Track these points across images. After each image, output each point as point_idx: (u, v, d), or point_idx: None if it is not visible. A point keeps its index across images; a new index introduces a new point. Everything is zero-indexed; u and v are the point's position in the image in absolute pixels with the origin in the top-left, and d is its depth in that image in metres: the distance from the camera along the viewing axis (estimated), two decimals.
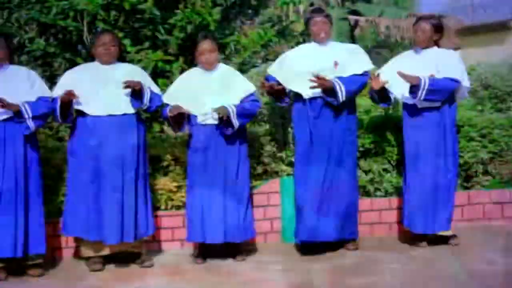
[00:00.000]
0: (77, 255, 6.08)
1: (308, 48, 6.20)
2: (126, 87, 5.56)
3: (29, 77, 5.67)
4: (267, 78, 6.17)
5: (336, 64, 5.95)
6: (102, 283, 5.41)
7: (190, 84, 5.92)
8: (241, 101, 5.86)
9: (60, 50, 7.15)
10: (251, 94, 5.95)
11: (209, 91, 5.84)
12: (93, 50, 5.85)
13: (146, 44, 7.12)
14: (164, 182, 6.33)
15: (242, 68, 7.31)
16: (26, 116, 5.44)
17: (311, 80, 5.75)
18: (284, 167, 6.69)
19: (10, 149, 5.45)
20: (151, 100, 5.74)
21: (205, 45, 5.90)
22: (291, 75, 6.04)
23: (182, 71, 7.09)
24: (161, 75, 7.04)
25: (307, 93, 5.93)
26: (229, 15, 8.06)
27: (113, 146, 5.61)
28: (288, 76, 6.06)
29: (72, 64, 7.03)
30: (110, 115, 5.64)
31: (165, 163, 6.42)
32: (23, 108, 5.44)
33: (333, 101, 5.84)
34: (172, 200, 6.40)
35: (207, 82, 5.90)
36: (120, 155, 5.62)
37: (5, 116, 5.44)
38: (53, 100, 5.63)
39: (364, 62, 6.10)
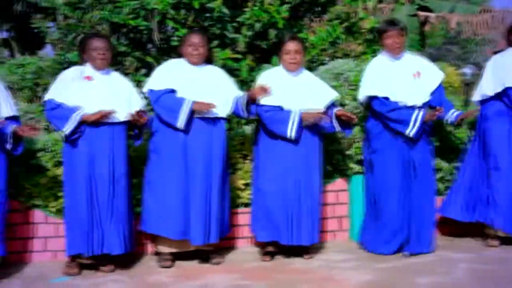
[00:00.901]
0: (152, 250, 6.16)
1: (382, 62, 6.08)
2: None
3: (129, 85, 5.80)
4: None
5: (418, 74, 5.93)
6: (172, 280, 5.46)
7: (274, 84, 5.84)
8: (326, 108, 5.85)
9: (131, 49, 7.25)
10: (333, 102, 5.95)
11: (294, 94, 5.82)
12: (181, 48, 5.85)
13: (215, 42, 7.17)
14: (232, 180, 6.36)
15: (310, 66, 7.29)
16: (146, 130, 5.69)
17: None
18: (353, 165, 6.64)
19: (117, 151, 5.57)
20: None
21: (292, 45, 5.86)
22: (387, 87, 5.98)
23: (250, 69, 7.13)
24: (230, 73, 7.06)
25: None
26: (297, 12, 8.04)
27: (202, 148, 5.64)
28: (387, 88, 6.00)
29: (142, 63, 7.13)
30: (199, 118, 5.66)
31: (233, 161, 6.45)
32: (149, 123, 5.67)
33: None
34: (241, 197, 6.42)
35: (292, 84, 5.87)
36: (208, 157, 5.66)
37: (116, 121, 5.56)
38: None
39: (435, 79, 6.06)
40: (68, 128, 5.40)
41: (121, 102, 5.60)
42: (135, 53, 7.24)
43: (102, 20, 7.26)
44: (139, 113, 5.58)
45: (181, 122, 5.55)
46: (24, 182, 6.01)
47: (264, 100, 5.77)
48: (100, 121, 5.46)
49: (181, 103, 5.55)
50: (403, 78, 5.92)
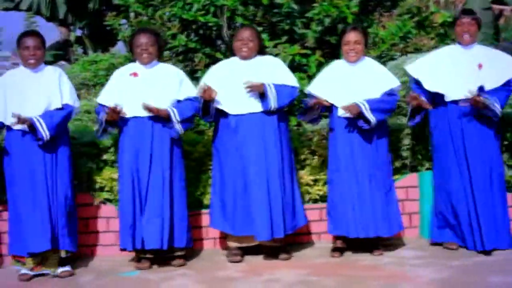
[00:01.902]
0: (221, 246, 6.21)
1: (448, 50, 6.02)
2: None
3: (177, 75, 5.82)
4: (413, 88, 6.04)
5: (480, 66, 5.78)
6: (240, 274, 5.49)
7: (333, 76, 5.87)
8: (382, 95, 5.77)
9: (201, 45, 7.31)
10: (392, 89, 5.84)
11: (350, 83, 5.78)
12: (233, 45, 5.91)
13: (284, 38, 7.16)
14: (301, 176, 6.35)
15: (380, 61, 7.21)
16: (175, 120, 5.59)
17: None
18: (423, 161, 6.54)
19: (158, 144, 5.62)
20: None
21: (352, 36, 5.83)
22: (435, 77, 5.89)
23: (319, 64, 7.10)
24: (298, 69, 7.06)
25: (454, 96, 5.79)
26: (367, 7, 7.97)
27: (255, 143, 5.65)
28: (433, 78, 5.91)
29: (212, 59, 7.18)
30: (251, 113, 5.70)
31: (302, 157, 6.43)
32: (171, 113, 5.58)
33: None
34: (310, 193, 6.40)
35: (350, 75, 5.83)
36: (263, 152, 5.66)
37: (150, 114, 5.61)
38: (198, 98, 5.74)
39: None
40: (98, 131, 5.69)
41: (163, 94, 5.65)
42: (204, 49, 7.29)
43: (172, 17, 7.34)
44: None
45: (206, 116, 5.76)
46: (95, 177, 6.13)
47: (315, 91, 5.81)
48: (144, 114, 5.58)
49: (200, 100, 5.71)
50: (462, 69, 5.79)
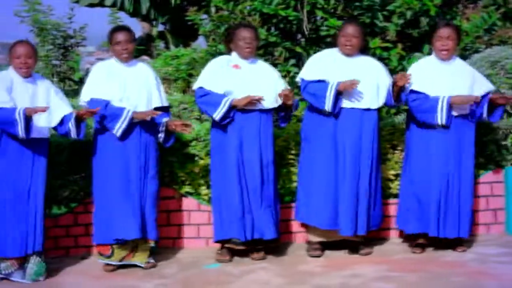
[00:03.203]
0: (302, 240, 6.21)
1: None
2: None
3: (275, 71, 5.90)
4: None
5: None
6: (320, 269, 5.49)
7: (428, 73, 5.77)
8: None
9: (281, 39, 7.32)
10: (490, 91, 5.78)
11: (448, 82, 5.67)
12: (337, 38, 5.85)
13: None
14: (381, 170, 6.28)
15: (463, 54, 7.07)
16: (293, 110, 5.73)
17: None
18: (509, 156, 6.39)
19: (263, 136, 5.68)
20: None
21: (444, 32, 5.72)
22: None
23: (400, 58, 7.01)
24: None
25: None
26: None
27: (352, 139, 5.65)
28: None
29: (292, 53, 7.18)
30: (351, 108, 5.68)
31: (382, 151, 6.37)
32: (294, 107, 5.73)
33: None
34: (390, 188, 6.34)
35: (444, 72, 5.72)
36: (358, 149, 5.65)
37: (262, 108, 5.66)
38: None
39: None
40: (218, 113, 5.55)
41: (268, 90, 5.67)
42: (284, 43, 7.29)
43: (253, 11, 7.37)
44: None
45: (328, 105, 5.56)
46: (178, 170, 6.21)
47: (414, 87, 5.68)
48: (248, 107, 5.57)
49: (327, 87, 5.57)
50: None
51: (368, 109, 5.69)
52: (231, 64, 5.74)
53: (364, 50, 5.90)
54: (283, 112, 5.79)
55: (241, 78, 5.67)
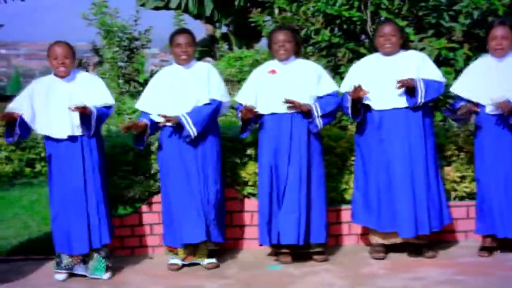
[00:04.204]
0: (364, 242, 6.18)
1: None
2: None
3: (315, 70, 5.82)
4: None
5: None
6: (384, 272, 5.44)
7: (480, 73, 5.70)
8: None
9: (344, 40, 7.29)
10: None
11: (499, 81, 5.57)
12: (375, 40, 5.86)
13: (430, 32, 7.02)
14: (447, 172, 6.20)
15: None
16: (316, 115, 5.60)
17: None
18: None
19: (296, 141, 5.65)
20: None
21: (498, 31, 5.62)
22: None
23: (466, 58, 6.90)
24: (445, 63, 6.90)
25: None
26: None
27: (399, 139, 5.60)
28: None
29: (356, 54, 7.14)
30: (395, 109, 5.64)
31: (448, 153, 6.28)
32: (314, 108, 5.61)
33: None
34: (456, 190, 6.25)
35: (497, 71, 5.63)
36: (407, 148, 5.59)
37: (293, 111, 5.64)
38: (343, 95, 5.74)
39: None
40: (240, 129, 5.80)
41: (303, 91, 5.65)
42: (348, 44, 7.27)
43: (316, 12, 7.36)
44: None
45: (350, 114, 5.67)
46: (240, 171, 6.24)
47: (460, 91, 5.72)
48: (279, 111, 5.63)
49: (347, 98, 5.62)
50: None
51: (413, 107, 5.61)
52: (269, 69, 5.80)
53: (405, 45, 5.85)
54: (305, 117, 5.70)
55: (273, 83, 5.72)
